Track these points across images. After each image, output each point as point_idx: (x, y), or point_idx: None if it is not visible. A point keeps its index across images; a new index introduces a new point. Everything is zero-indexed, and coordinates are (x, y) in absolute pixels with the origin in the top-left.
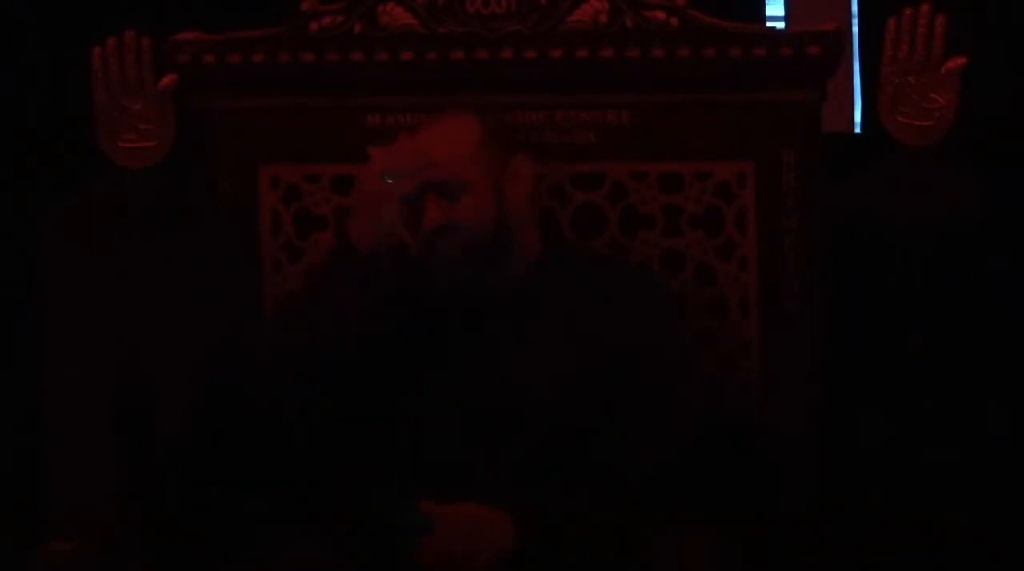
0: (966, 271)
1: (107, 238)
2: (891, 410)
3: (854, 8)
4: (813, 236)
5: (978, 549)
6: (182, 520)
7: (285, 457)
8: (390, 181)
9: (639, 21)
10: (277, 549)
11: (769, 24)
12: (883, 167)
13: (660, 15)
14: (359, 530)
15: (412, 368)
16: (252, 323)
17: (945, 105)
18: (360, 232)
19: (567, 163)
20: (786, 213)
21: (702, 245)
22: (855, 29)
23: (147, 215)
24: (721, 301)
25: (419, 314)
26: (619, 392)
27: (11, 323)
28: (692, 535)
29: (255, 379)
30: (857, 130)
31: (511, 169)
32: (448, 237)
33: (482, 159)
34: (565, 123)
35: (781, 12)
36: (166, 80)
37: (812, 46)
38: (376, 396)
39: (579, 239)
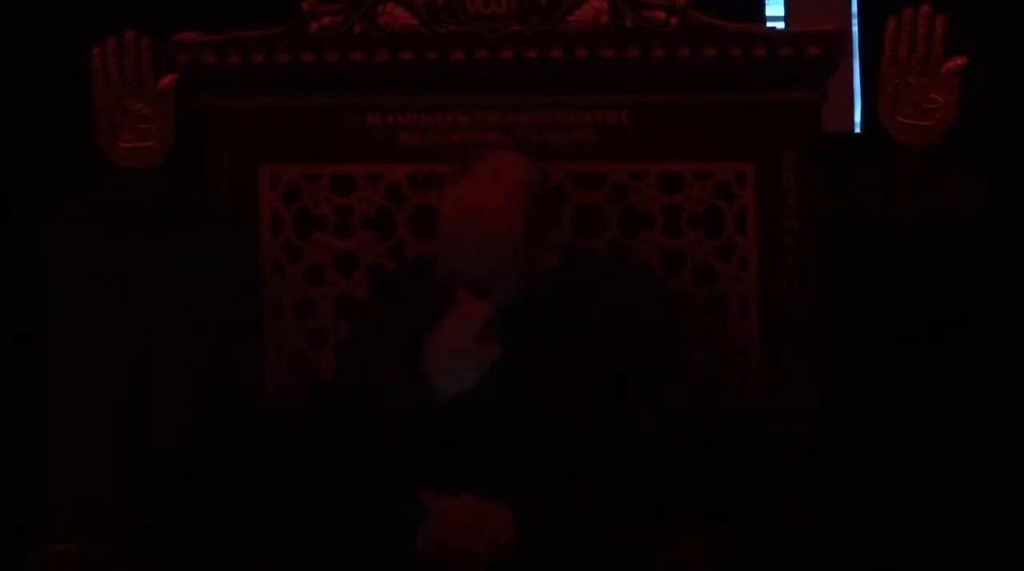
0: (966, 271)
1: (107, 238)
2: (890, 410)
3: (854, 8)
4: (813, 236)
5: (978, 549)
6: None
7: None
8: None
9: (639, 21)
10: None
11: (769, 24)
12: (883, 167)
13: (660, 15)
14: (359, 520)
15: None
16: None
17: (945, 105)
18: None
19: (567, 163)
20: (786, 213)
21: (702, 245)
22: (855, 29)
23: (147, 215)
24: (721, 301)
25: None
26: (619, 390)
27: (11, 323)
28: (690, 533)
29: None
30: (857, 130)
31: (547, 229)
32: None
33: (520, 246)
34: (565, 123)
35: (781, 12)
36: (166, 80)
37: (812, 46)
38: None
39: (579, 239)
